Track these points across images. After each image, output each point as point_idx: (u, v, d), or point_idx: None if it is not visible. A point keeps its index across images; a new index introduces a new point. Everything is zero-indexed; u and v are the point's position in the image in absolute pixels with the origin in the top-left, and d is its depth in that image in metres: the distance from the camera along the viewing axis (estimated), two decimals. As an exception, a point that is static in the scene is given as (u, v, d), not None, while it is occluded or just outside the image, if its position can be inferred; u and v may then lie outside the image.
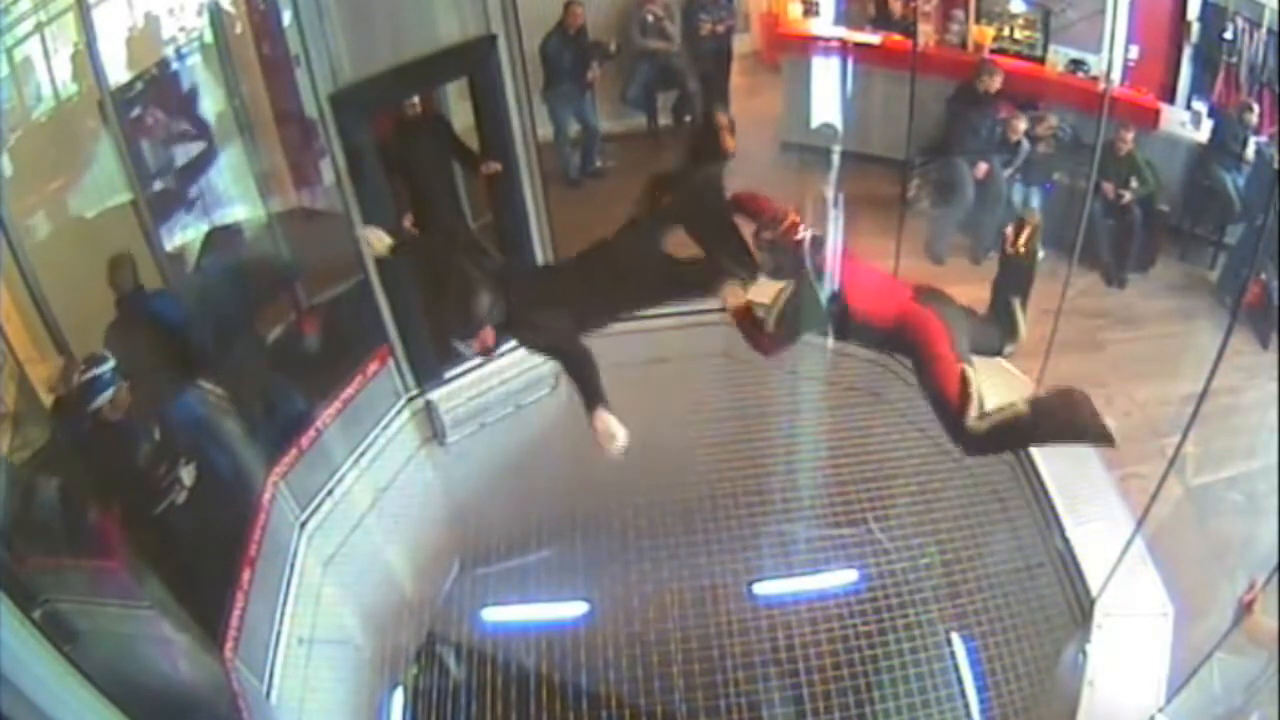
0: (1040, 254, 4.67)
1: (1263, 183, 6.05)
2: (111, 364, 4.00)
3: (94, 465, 4.06)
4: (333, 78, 4.72)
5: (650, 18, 7.23)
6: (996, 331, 3.60)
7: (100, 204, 4.62)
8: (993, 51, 6.92)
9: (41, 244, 4.28)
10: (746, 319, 3.42)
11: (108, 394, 3.99)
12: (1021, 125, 6.43)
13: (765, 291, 3.46)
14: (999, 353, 3.61)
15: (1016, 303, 3.60)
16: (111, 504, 4.04)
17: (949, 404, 3.16)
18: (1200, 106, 6.45)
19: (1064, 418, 3.08)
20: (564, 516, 6.14)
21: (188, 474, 4.37)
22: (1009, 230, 3.61)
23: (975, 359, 3.29)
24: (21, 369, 3.94)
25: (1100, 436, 3.02)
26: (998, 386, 3.51)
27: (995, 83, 6.42)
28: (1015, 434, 3.17)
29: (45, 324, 4.04)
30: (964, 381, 3.15)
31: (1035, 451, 5.20)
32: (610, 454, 3.04)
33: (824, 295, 3.40)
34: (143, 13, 4.79)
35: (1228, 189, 6.25)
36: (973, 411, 3.11)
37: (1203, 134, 6.38)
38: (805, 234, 3.42)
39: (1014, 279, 3.64)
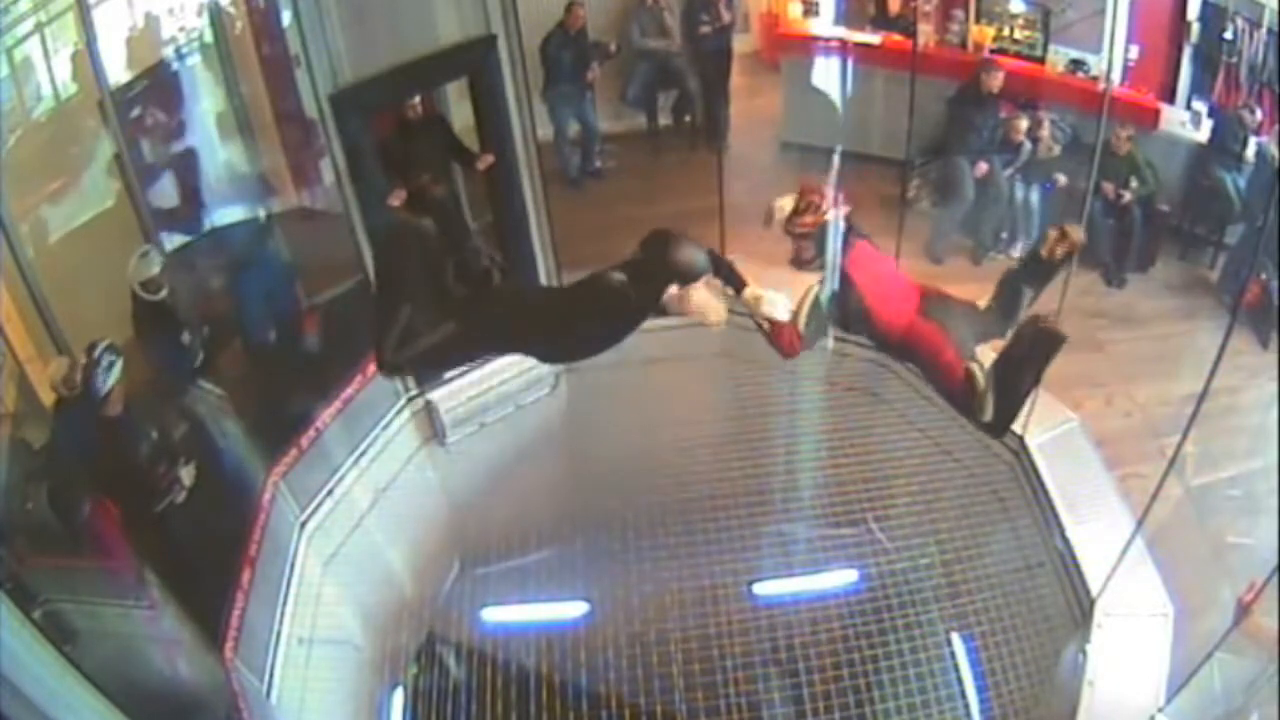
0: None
1: (1263, 183, 6.05)
2: (108, 343, 4.00)
3: (95, 463, 4.06)
4: (333, 78, 4.72)
5: (649, 1, 7.22)
6: (1000, 318, 3.63)
7: (100, 204, 4.62)
8: (993, 51, 6.92)
9: (41, 244, 4.28)
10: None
11: (116, 371, 3.97)
12: (1024, 125, 6.44)
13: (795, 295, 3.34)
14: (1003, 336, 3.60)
15: (1028, 295, 3.67)
16: (112, 501, 4.03)
17: (960, 399, 3.35)
18: (1200, 106, 6.44)
19: (1031, 355, 3.27)
20: (564, 516, 6.14)
21: (187, 474, 4.37)
22: (1052, 235, 3.62)
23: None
24: (21, 369, 3.94)
25: (1053, 338, 3.23)
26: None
27: (996, 81, 6.42)
28: (1016, 398, 3.31)
29: (45, 324, 4.04)
30: (970, 379, 3.28)
31: (1035, 451, 5.22)
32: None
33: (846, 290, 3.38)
34: (143, 13, 4.79)
35: (1228, 189, 6.24)
36: (979, 406, 3.27)
37: (1203, 134, 6.38)
38: (833, 213, 3.36)
39: (1036, 278, 3.69)
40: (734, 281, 3.31)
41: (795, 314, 3.32)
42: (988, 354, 3.38)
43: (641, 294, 3.02)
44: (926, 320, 3.37)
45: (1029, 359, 3.28)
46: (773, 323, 3.27)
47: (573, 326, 3.15)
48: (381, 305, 3.12)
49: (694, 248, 3.05)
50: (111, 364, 3.96)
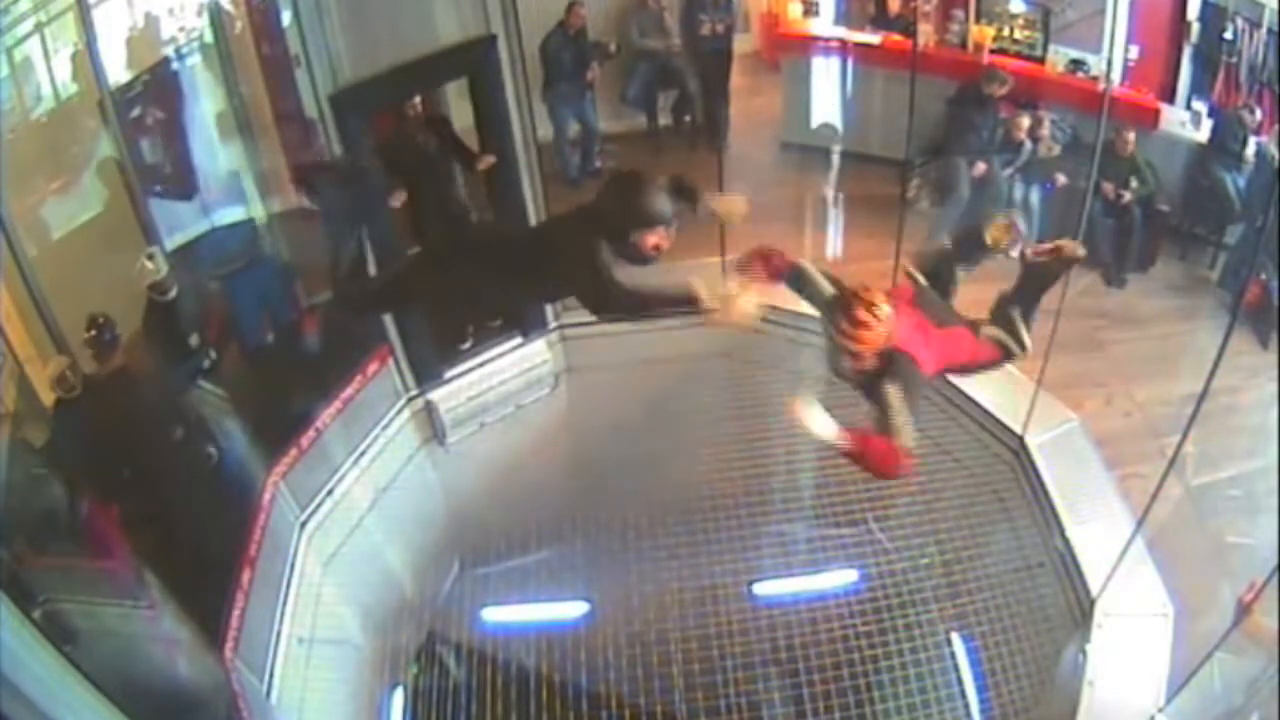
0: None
1: (1263, 183, 6.05)
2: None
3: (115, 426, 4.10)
4: (333, 78, 4.72)
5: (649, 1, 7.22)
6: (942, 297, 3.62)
7: (100, 204, 4.62)
8: (993, 51, 6.93)
9: (41, 244, 4.28)
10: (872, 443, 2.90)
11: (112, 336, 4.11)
12: (1026, 123, 6.44)
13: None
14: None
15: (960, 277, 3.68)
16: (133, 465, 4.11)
17: (996, 363, 3.55)
18: (1200, 106, 6.45)
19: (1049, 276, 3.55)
20: (564, 516, 6.14)
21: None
22: (999, 223, 3.60)
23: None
24: (21, 369, 3.94)
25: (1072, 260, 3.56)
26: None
27: (1003, 90, 6.44)
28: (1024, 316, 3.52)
29: (45, 324, 4.04)
30: (999, 343, 3.47)
31: (1035, 451, 5.22)
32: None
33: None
34: (143, 13, 4.79)
35: (1228, 189, 6.25)
36: (1018, 353, 3.49)
37: (1203, 134, 6.38)
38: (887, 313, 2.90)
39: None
40: (690, 197, 3.22)
41: (890, 427, 2.89)
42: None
43: (603, 238, 3.00)
44: (942, 327, 3.33)
45: (1046, 280, 3.56)
46: (858, 443, 2.91)
47: (539, 268, 3.15)
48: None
49: (658, 195, 3.02)
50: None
